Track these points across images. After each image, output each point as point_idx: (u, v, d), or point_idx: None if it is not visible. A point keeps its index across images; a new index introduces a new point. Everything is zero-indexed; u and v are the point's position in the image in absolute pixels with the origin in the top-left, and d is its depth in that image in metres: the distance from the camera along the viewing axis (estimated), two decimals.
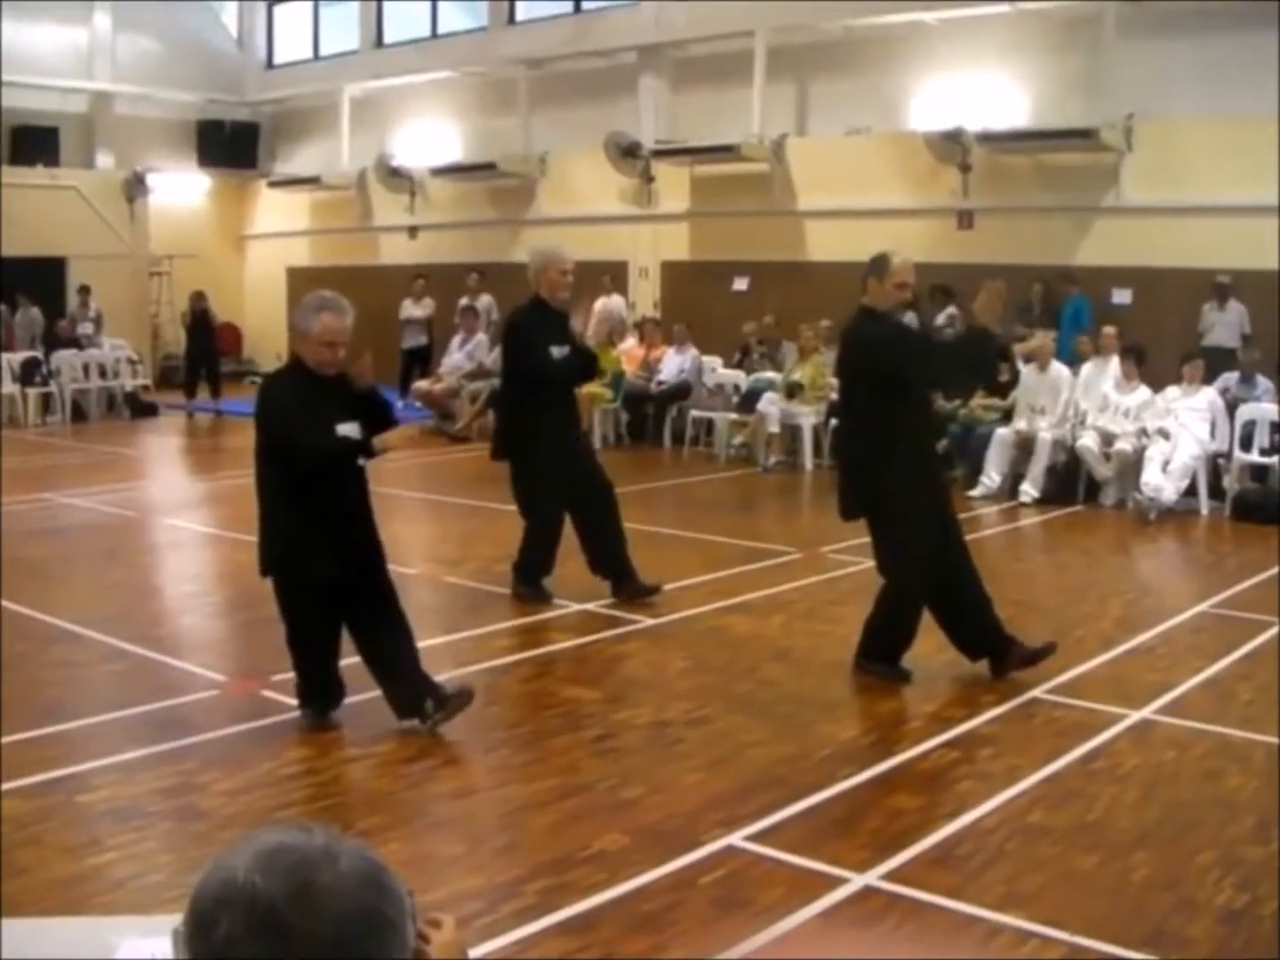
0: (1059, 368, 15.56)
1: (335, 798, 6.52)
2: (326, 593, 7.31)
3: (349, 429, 7.19)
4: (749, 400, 18.26)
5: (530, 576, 10.41)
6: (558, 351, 10.08)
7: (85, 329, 24.41)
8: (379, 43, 28.06)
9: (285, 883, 1.71)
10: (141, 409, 23.68)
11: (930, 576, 8.35)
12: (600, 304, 10.53)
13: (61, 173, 26.72)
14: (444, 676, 7.63)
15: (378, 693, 7.56)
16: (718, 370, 19.77)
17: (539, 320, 10.19)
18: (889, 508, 8.32)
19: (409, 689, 7.34)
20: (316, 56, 29.52)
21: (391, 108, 27.32)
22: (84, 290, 24.96)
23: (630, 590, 10.34)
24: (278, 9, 30.39)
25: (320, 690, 7.51)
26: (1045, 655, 8.35)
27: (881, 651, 8.49)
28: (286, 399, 7.20)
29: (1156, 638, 9.56)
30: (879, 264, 8.35)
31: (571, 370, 10.26)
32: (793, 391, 17.59)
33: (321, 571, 7.24)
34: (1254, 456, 14.74)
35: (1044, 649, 8.37)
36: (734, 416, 18.47)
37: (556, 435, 10.24)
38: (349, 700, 7.59)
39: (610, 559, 10.43)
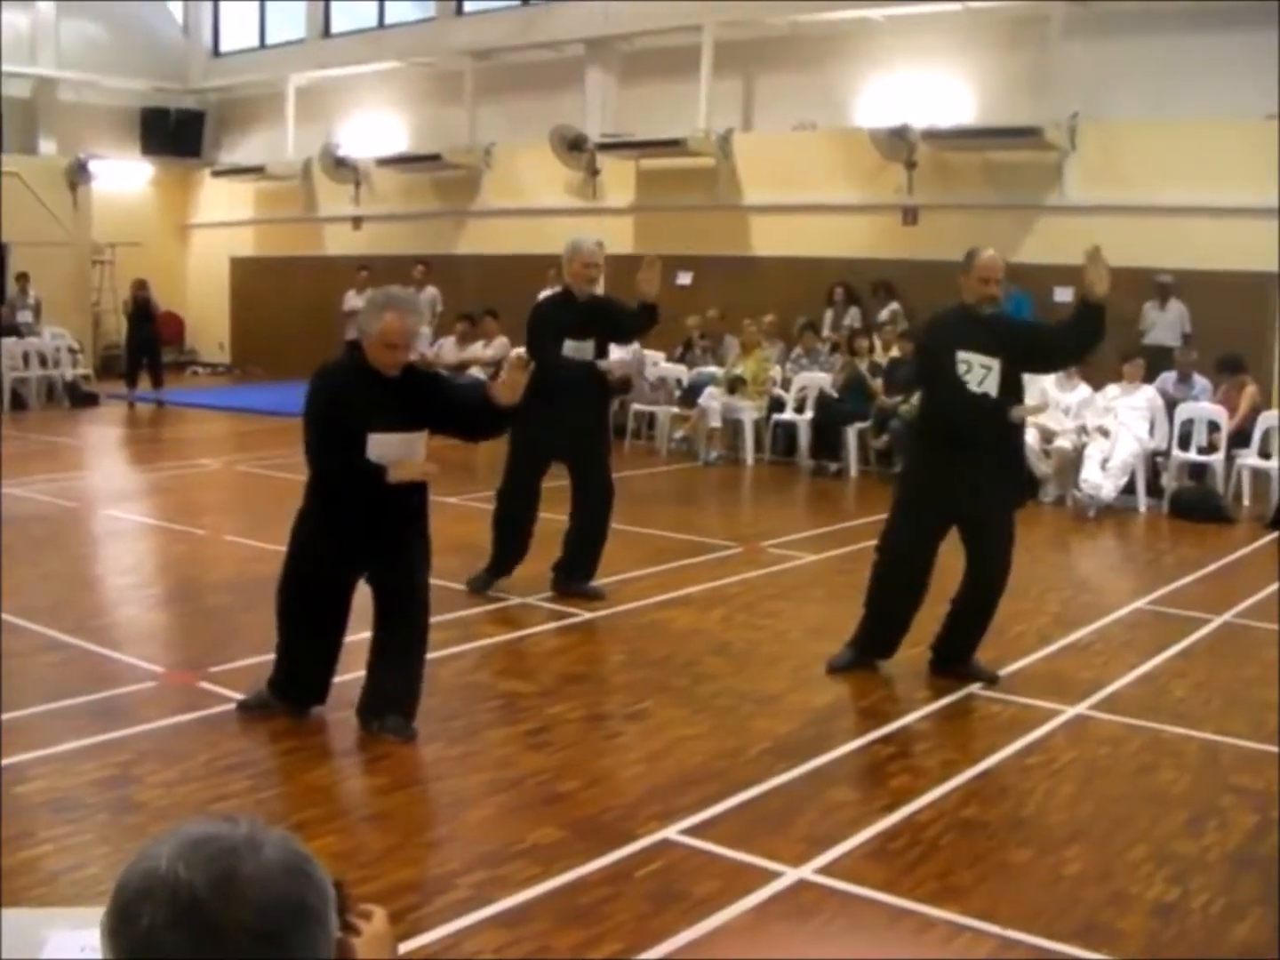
0: None
1: (272, 790, 6.50)
2: (326, 591, 7.25)
3: (383, 439, 6.95)
4: (691, 394, 18.28)
5: (487, 568, 10.42)
6: (573, 344, 10.02)
7: (24, 316, 24.21)
8: (326, 32, 27.97)
9: (208, 872, 1.70)
10: (82, 398, 23.50)
11: (897, 574, 8.43)
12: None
13: (3, 158, 26.46)
14: None
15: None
16: (660, 364, 19.76)
17: (558, 311, 10.19)
18: (899, 491, 8.66)
19: (379, 700, 7.29)
20: (263, 45, 29.40)
21: (337, 98, 27.24)
22: (22, 277, 24.73)
23: (573, 588, 10.35)
24: None
25: (287, 681, 7.45)
26: (986, 682, 8.35)
27: (858, 637, 8.60)
28: (324, 400, 6.99)
29: (1093, 634, 9.63)
30: (967, 258, 8.42)
31: (576, 367, 10.07)
32: (734, 386, 17.63)
33: (325, 569, 7.18)
34: (1192, 455, 14.87)
35: (989, 678, 8.37)
36: (676, 411, 18.49)
37: (548, 431, 9.99)
38: None
39: (570, 555, 10.42)
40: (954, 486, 8.19)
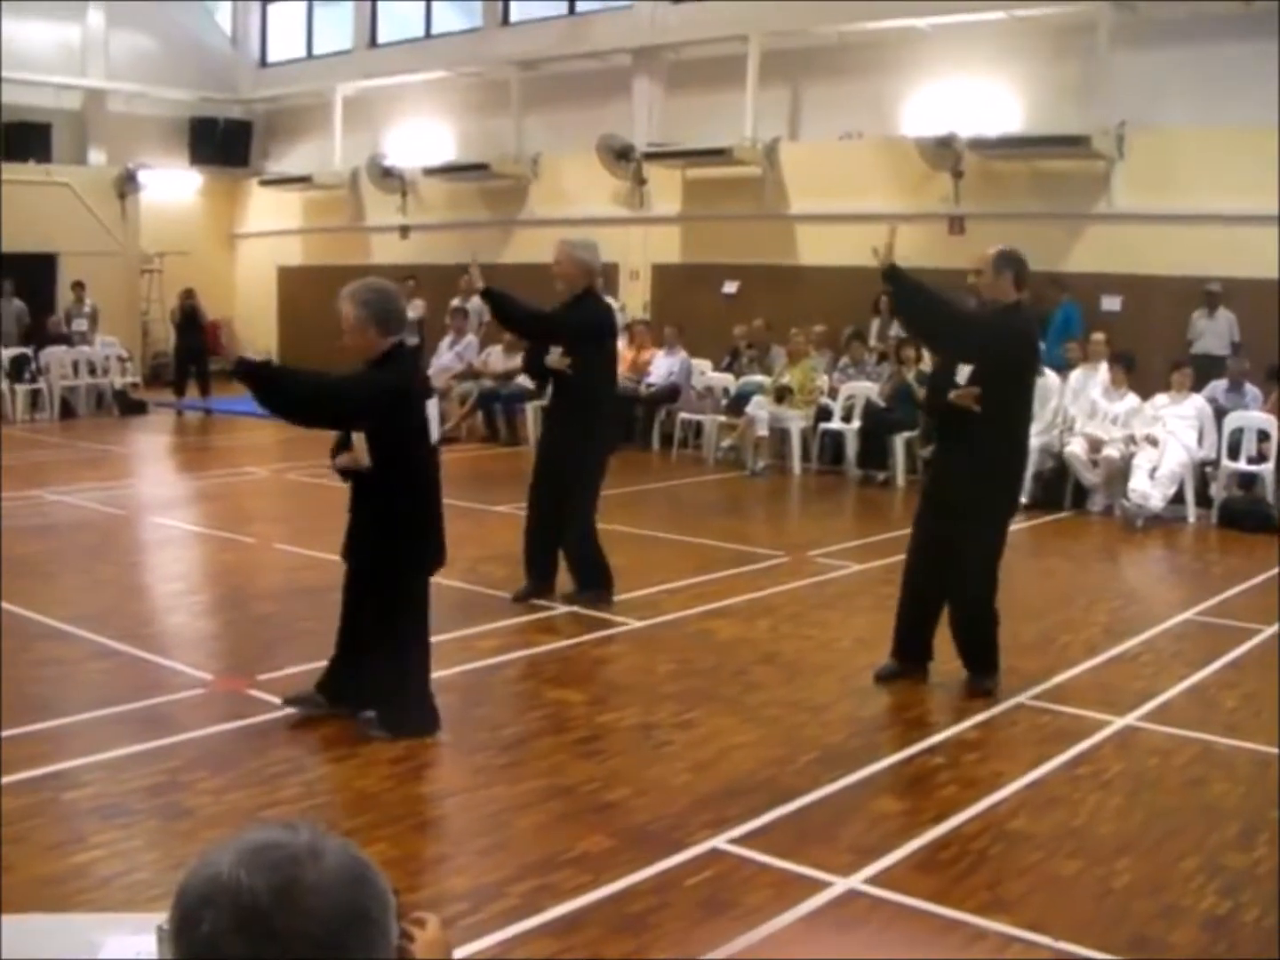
0: (1047, 373, 15.48)
1: (321, 797, 6.52)
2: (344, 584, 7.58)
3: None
4: (738, 403, 18.26)
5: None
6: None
7: (80, 325, 24.36)
8: (373, 42, 28.05)
9: (270, 879, 1.71)
10: (130, 406, 23.64)
11: (909, 573, 8.61)
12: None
13: (54, 169, 26.71)
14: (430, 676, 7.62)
15: None
16: (707, 373, 19.76)
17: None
18: None
19: (375, 702, 7.45)
20: (310, 55, 29.51)
21: (384, 107, 27.32)
22: (79, 286, 24.89)
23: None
24: (272, 7, 30.38)
25: (326, 674, 7.59)
26: (983, 694, 8.33)
27: (894, 644, 8.66)
28: None
29: (1142, 645, 9.58)
30: None
31: (536, 367, 10.44)
32: (781, 395, 17.60)
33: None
34: (1241, 465, 14.76)
35: (982, 692, 8.34)
36: (723, 420, 18.47)
37: (545, 435, 10.65)
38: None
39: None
40: (936, 480, 8.58)
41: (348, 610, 7.49)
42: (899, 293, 8.44)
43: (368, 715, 7.36)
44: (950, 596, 8.38)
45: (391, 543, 7.28)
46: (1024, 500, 14.72)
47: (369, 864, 1.82)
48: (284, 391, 7.06)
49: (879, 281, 8.55)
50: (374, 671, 7.37)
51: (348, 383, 7.18)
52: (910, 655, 8.57)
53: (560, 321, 10.37)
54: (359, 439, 7.20)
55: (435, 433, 7.41)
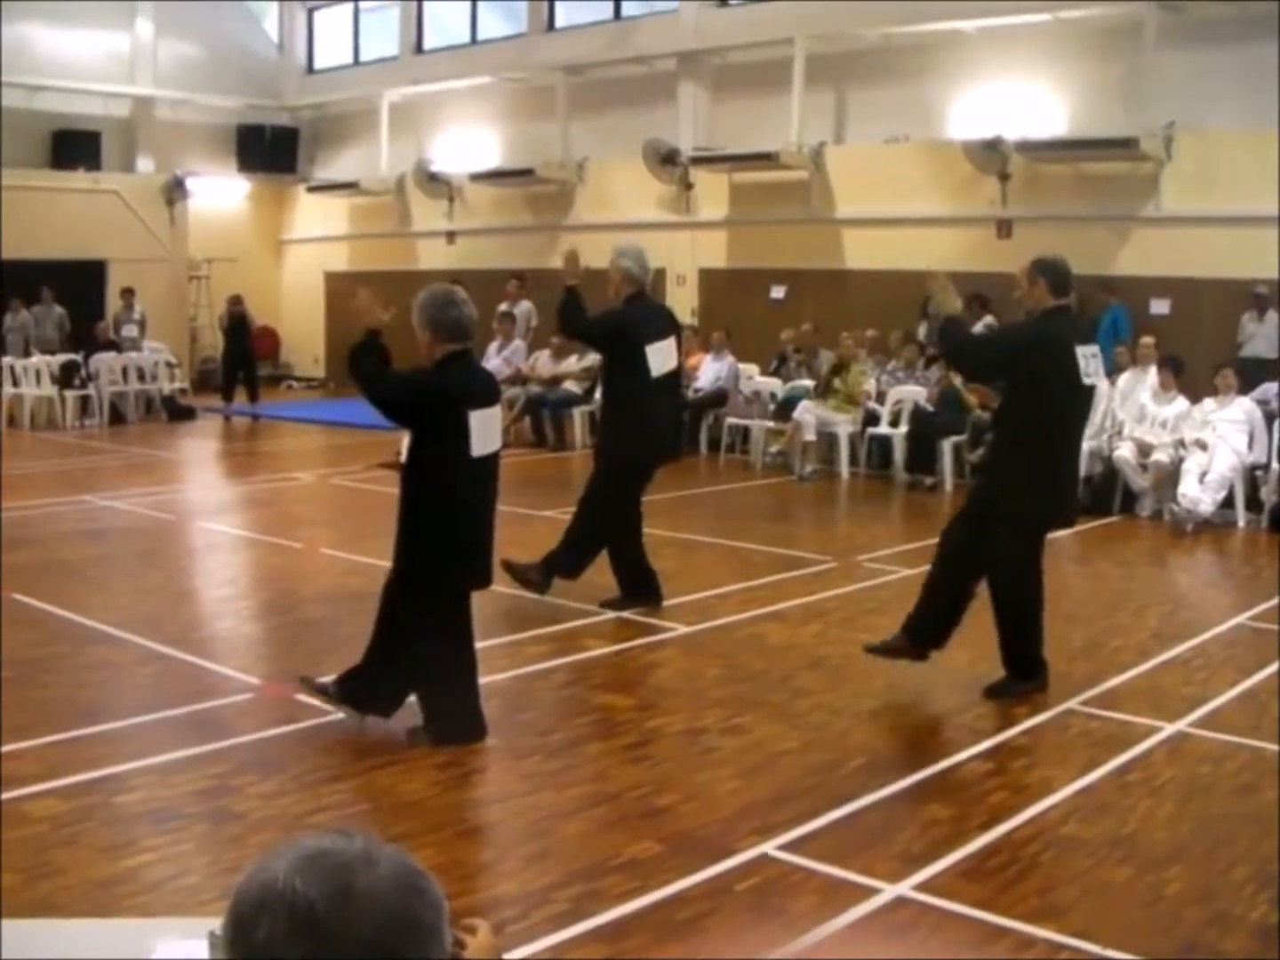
0: None
1: (368, 803, 6.54)
2: None
3: None
4: (785, 408, 18.23)
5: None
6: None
7: (130, 331, 24.49)
8: (419, 48, 28.14)
9: (324, 886, 1.72)
10: (179, 412, 23.76)
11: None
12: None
13: (103, 177, 26.88)
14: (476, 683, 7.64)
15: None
16: (754, 378, 19.72)
17: None
18: None
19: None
20: (357, 62, 29.62)
21: (431, 113, 27.42)
22: (128, 293, 25.03)
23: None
24: (318, 14, 30.52)
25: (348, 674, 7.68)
26: (992, 694, 8.34)
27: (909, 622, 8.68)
28: None
29: (1192, 650, 9.51)
30: None
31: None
32: (828, 383, 17.59)
33: None
34: None
35: (994, 692, 8.35)
36: (770, 424, 18.44)
37: None
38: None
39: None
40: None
41: (381, 613, 7.51)
42: (952, 340, 8.40)
43: (412, 724, 7.38)
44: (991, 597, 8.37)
45: (420, 547, 7.28)
46: None
47: (423, 872, 1.83)
48: (360, 362, 7.31)
49: (925, 286, 8.52)
50: (410, 679, 7.39)
51: (395, 375, 7.35)
52: (922, 640, 8.50)
53: (586, 326, 10.47)
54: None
55: (489, 444, 7.35)
